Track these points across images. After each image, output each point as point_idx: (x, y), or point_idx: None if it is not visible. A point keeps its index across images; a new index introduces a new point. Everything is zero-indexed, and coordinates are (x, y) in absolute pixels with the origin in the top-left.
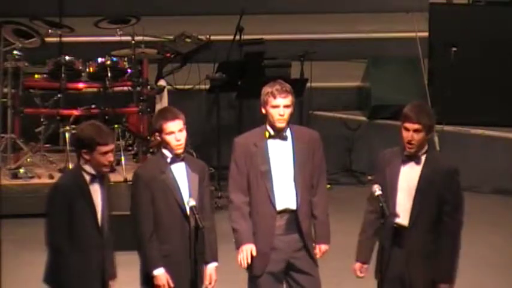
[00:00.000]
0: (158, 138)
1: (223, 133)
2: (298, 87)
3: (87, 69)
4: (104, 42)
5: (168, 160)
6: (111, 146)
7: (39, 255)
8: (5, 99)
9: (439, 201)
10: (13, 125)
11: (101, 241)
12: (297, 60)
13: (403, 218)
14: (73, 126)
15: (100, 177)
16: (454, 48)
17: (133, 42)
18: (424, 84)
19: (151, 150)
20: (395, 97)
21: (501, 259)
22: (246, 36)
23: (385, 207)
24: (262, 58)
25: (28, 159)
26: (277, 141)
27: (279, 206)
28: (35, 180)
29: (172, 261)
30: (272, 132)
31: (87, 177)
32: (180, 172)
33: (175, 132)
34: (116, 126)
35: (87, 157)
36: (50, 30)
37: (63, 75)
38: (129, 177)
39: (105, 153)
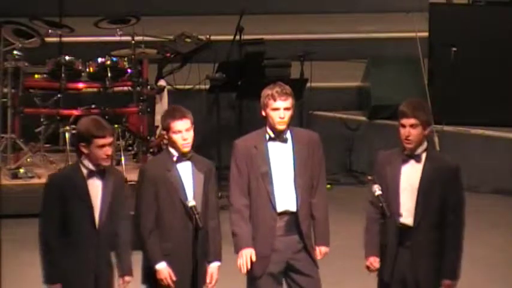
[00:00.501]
0: (165, 136)
1: (223, 133)
2: (298, 87)
3: (87, 69)
4: (103, 42)
5: (174, 159)
6: (108, 140)
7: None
8: (5, 99)
9: (442, 199)
10: (13, 125)
11: (97, 239)
12: (297, 60)
13: (407, 217)
14: (73, 126)
15: (101, 173)
16: (454, 48)
17: (133, 42)
18: (424, 84)
19: (151, 150)
20: (395, 97)
21: (501, 259)
22: (246, 36)
23: (385, 207)
24: (262, 58)
25: (28, 159)
26: (277, 144)
27: (280, 208)
28: (35, 180)
29: (174, 260)
30: (272, 135)
31: (85, 172)
32: (185, 171)
33: (183, 131)
34: (116, 126)
35: (85, 151)
36: (49, 30)
37: (63, 75)
38: (129, 177)
39: (102, 146)
